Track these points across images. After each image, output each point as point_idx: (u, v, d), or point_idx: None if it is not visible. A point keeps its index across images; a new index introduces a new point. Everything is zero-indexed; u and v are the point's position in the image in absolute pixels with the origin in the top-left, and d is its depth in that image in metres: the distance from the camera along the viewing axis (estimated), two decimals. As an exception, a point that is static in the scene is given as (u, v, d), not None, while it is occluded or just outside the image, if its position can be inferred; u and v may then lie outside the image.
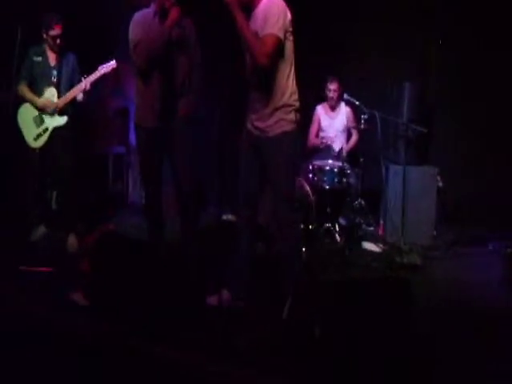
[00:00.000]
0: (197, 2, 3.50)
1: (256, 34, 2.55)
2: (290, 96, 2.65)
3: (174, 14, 2.96)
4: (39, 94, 3.90)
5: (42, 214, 4.13)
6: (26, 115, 3.96)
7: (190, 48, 3.10)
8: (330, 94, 4.60)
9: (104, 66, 3.83)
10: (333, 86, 4.58)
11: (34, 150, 3.92)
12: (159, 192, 3.24)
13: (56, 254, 3.66)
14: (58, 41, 3.84)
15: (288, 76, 2.64)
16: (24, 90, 3.91)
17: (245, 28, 2.53)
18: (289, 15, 2.59)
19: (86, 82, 3.81)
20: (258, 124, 2.70)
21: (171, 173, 3.19)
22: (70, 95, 3.87)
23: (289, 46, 2.62)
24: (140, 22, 3.06)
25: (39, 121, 3.91)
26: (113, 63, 3.81)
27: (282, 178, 2.69)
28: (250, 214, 2.83)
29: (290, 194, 2.74)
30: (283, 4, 2.60)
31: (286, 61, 2.62)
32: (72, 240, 3.89)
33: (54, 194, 4.48)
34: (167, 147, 3.14)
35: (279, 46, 2.55)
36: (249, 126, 2.78)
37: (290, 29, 2.61)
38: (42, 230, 4.06)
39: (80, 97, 3.89)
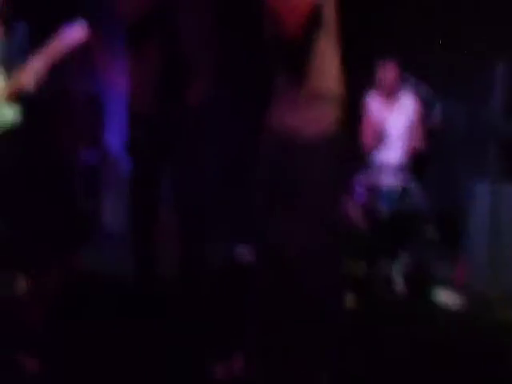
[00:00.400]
0: None
1: None
2: (334, 82, 2.64)
3: None
4: None
5: None
6: None
7: (210, 10, 3.12)
8: (388, 80, 4.62)
9: (68, 31, 3.72)
10: (389, 74, 4.58)
11: None
12: (155, 213, 3.26)
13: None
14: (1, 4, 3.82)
15: (330, 54, 2.63)
16: None
17: None
18: None
19: (40, 57, 3.74)
20: (286, 120, 2.68)
21: (171, 186, 3.22)
22: (20, 79, 3.90)
23: (330, 14, 2.60)
24: None
25: None
26: (80, 28, 3.66)
27: (318, 197, 2.65)
28: (272, 248, 2.80)
29: (330, 219, 2.74)
30: None
31: (325, 31, 2.60)
32: (20, 282, 3.88)
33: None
34: (169, 148, 3.16)
35: (317, 12, 2.51)
36: (273, 122, 2.77)
37: None
38: None
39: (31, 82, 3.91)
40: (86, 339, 2.90)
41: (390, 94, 4.68)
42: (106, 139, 5.72)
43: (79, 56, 4.99)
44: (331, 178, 2.67)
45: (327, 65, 2.64)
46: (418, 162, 4.58)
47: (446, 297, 4.07)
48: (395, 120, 4.66)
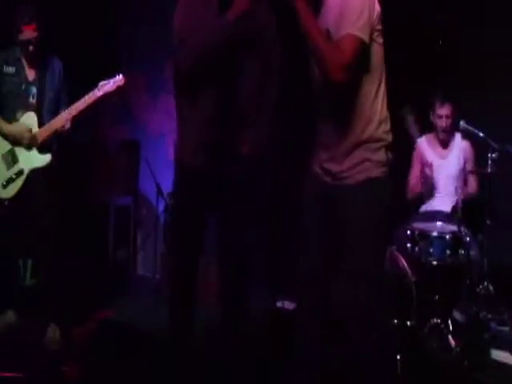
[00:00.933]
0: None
1: (327, 35, 2.57)
2: (379, 126, 2.65)
3: (241, 0, 2.87)
4: (12, 119, 3.92)
5: (9, 294, 4.17)
6: None
7: (266, 49, 3.02)
8: (441, 123, 4.58)
9: (107, 82, 3.88)
10: (444, 111, 4.54)
11: (0, 201, 3.93)
12: (196, 265, 3.19)
13: (29, 353, 3.67)
14: (31, 48, 3.87)
15: (375, 96, 2.64)
16: None
17: (311, 26, 2.52)
18: (377, 7, 2.58)
19: (76, 106, 3.84)
20: (331, 166, 2.70)
21: (217, 238, 3.16)
22: (54, 124, 3.90)
23: (377, 53, 2.62)
24: (191, 4, 2.99)
25: (11, 159, 3.96)
26: (119, 79, 3.87)
27: (363, 247, 2.65)
28: (315, 301, 2.80)
29: (374, 271, 2.69)
30: None
31: (372, 74, 2.63)
32: (53, 333, 3.87)
33: (29, 264, 4.58)
34: (217, 200, 3.09)
35: (362, 52, 2.53)
36: (316, 169, 2.78)
37: (379, 27, 2.60)
38: (9, 317, 4.08)
39: (68, 125, 3.92)
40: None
41: (444, 138, 4.64)
42: (141, 184, 5.82)
43: (117, 101, 5.06)
44: (376, 224, 2.67)
45: (373, 107, 2.65)
46: (471, 211, 4.48)
47: (503, 356, 3.94)
48: (447, 165, 4.61)
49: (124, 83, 3.86)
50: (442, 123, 4.55)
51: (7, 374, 3.24)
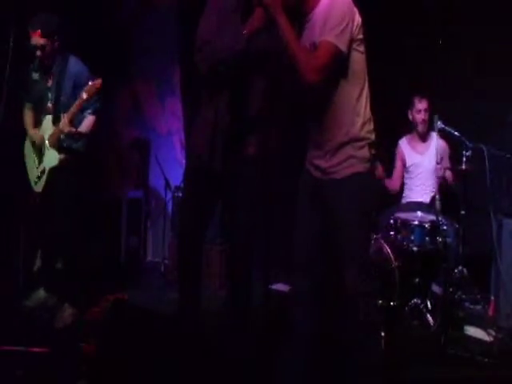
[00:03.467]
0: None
1: (313, 47, 2.57)
2: (363, 126, 2.66)
3: (257, 15, 2.84)
4: (37, 123, 4.06)
5: (42, 273, 4.26)
6: (29, 150, 4.12)
7: (277, 62, 3.00)
8: (420, 116, 4.65)
9: (89, 86, 3.75)
10: (423, 105, 4.62)
11: (35, 195, 4.06)
12: (201, 250, 3.31)
13: (52, 330, 3.78)
14: (39, 53, 3.84)
15: (358, 99, 2.65)
16: (26, 116, 4.08)
17: (290, 36, 2.53)
18: (357, 18, 2.59)
19: (68, 115, 3.80)
20: (320, 163, 2.72)
21: (229, 230, 3.25)
22: (57, 128, 3.90)
23: (358, 60, 2.63)
24: (217, 10, 3.02)
25: (38, 159, 4.06)
26: (97, 81, 3.73)
27: (351, 236, 2.67)
28: (308, 285, 2.79)
29: (363, 258, 2.70)
30: (349, 2, 2.57)
31: (353, 79, 2.63)
32: (64, 312, 3.94)
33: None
34: (227, 199, 3.19)
35: (337, 58, 2.54)
36: (308, 165, 2.81)
37: (360, 36, 2.60)
38: (40, 294, 4.16)
39: (66, 129, 3.86)
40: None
41: (423, 131, 4.71)
42: (151, 178, 5.78)
43: (128, 102, 5.19)
44: (362, 215, 2.67)
45: (356, 109, 2.65)
46: (448, 202, 4.54)
47: (476, 332, 4.01)
48: (426, 161, 4.68)
49: (100, 86, 3.71)
50: (421, 116, 4.62)
51: (32, 350, 3.25)
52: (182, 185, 4.90)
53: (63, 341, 3.55)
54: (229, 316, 3.26)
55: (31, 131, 4.04)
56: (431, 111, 4.59)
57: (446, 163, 4.66)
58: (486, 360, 3.59)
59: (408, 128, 4.81)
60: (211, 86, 3.05)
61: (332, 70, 2.53)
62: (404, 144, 4.81)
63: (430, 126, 4.62)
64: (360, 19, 2.60)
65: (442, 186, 4.61)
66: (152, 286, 4.96)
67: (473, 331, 4.04)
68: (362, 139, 2.66)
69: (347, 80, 2.61)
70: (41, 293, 4.16)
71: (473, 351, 3.70)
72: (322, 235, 2.76)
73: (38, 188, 4.03)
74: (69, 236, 4.05)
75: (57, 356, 3.24)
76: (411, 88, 4.76)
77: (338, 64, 2.54)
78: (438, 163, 4.28)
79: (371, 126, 2.70)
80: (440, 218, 4.18)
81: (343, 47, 2.52)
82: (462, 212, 4.37)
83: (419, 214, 4.28)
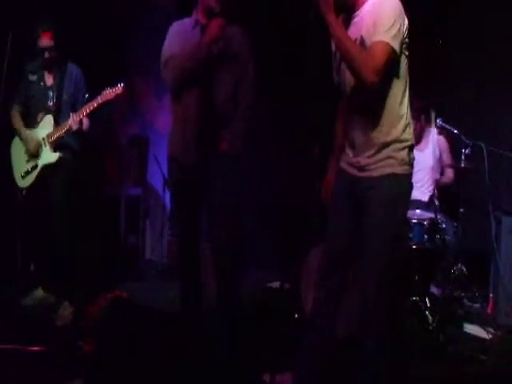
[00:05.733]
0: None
1: (361, 42, 2.56)
2: (404, 129, 2.65)
3: (212, 28, 3.10)
4: (34, 122, 4.05)
5: (39, 273, 4.25)
6: (19, 146, 4.14)
7: (238, 63, 3.22)
8: (416, 115, 4.52)
9: (108, 90, 3.93)
10: (419, 105, 4.50)
11: (20, 190, 4.10)
12: (197, 247, 3.33)
13: (50, 328, 3.75)
14: (47, 54, 3.95)
15: (401, 102, 2.64)
16: (14, 117, 4.09)
17: (342, 35, 2.52)
18: (406, 21, 2.57)
19: (79, 114, 3.92)
20: (359, 160, 2.70)
21: (207, 225, 3.27)
22: (63, 126, 3.98)
23: (403, 62, 2.62)
24: (177, 32, 3.25)
25: (28, 155, 4.09)
26: (119, 88, 3.90)
27: (380, 239, 2.62)
28: (336, 285, 2.76)
29: (390, 266, 2.64)
30: (399, 4, 2.55)
31: (399, 82, 2.62)
32: (63, 310, 3.94)
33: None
34: (204, 192, 3.23)
35: (393, 59, 2.53)
36: (343, 164, 2.80)
37: (407, 40, 2.59)
38: (39, 293, 4.15)
39: (85, 125, 4.00)
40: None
41: (421, 130, 4.63)
42: (149, 175, 5.79)
43: (126, 100, 5.15)
44: (396, 219, 2.65)
45: (400, 111, 2.65)
46: (447, 200, 4.55)
47: (475, 330, 3.99)
48: (424, 158, 4.64)
49: (122, 92, 3.91)
50: (417, 115, 4.51)
51: (30, 348, 3.28)
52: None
53: (62, 339, 3.52)
54: (217, 316, 3.27)
55: (23, 130, 4.08)
56: (427, 110, 4.58)
57: (447, 159, 4.64)
58: (485, 358, 3.58)
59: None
60: (178, 94, 3.23)
61: (387, 71, 2.52)
62: None
63: (428, 125, 4.62)
64: (407, 22, 2.58)
65: (441, 183, 4.64)
66: (149, 283, 4.95)
67: (472, 329, 4.03)
68: (403, 141, 2.65)
69: (394, 82, 2.61)
70: (39, 292, 4.16)
71: (472, 349, 3.69)
72: (353, 237, 2.72)
73: (25, 183, 4.08)
74: (65, 234, 4.07)
75: (55, 354, 3.24)
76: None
77: (391, 65, 2.53)
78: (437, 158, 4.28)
79: (411, 130, 2.70)
80: (439, 216, 4.18)
81: (397, 48, 2.52)
82: (461, 210, 4.40)
83: (418, 211, 4.26)
